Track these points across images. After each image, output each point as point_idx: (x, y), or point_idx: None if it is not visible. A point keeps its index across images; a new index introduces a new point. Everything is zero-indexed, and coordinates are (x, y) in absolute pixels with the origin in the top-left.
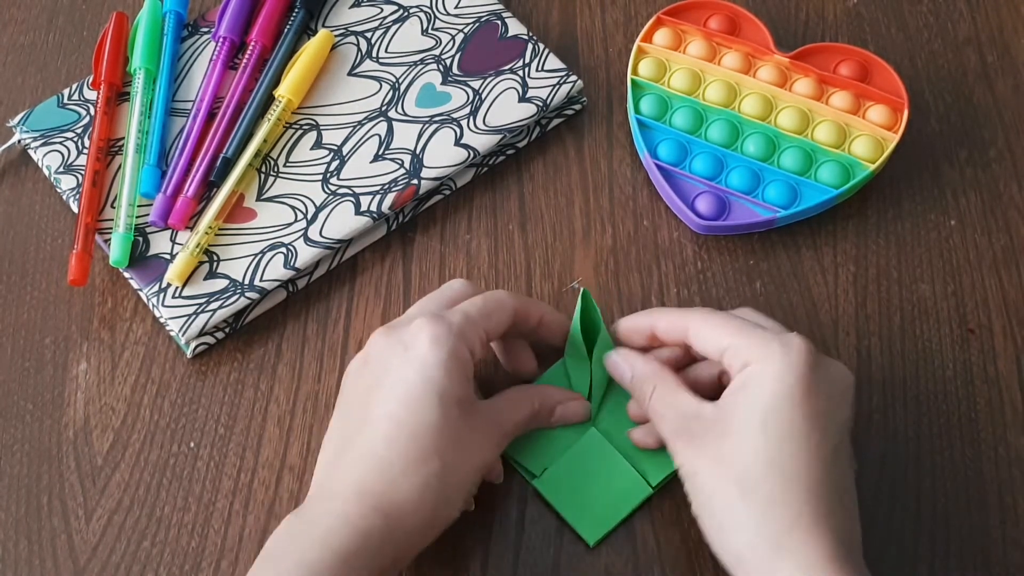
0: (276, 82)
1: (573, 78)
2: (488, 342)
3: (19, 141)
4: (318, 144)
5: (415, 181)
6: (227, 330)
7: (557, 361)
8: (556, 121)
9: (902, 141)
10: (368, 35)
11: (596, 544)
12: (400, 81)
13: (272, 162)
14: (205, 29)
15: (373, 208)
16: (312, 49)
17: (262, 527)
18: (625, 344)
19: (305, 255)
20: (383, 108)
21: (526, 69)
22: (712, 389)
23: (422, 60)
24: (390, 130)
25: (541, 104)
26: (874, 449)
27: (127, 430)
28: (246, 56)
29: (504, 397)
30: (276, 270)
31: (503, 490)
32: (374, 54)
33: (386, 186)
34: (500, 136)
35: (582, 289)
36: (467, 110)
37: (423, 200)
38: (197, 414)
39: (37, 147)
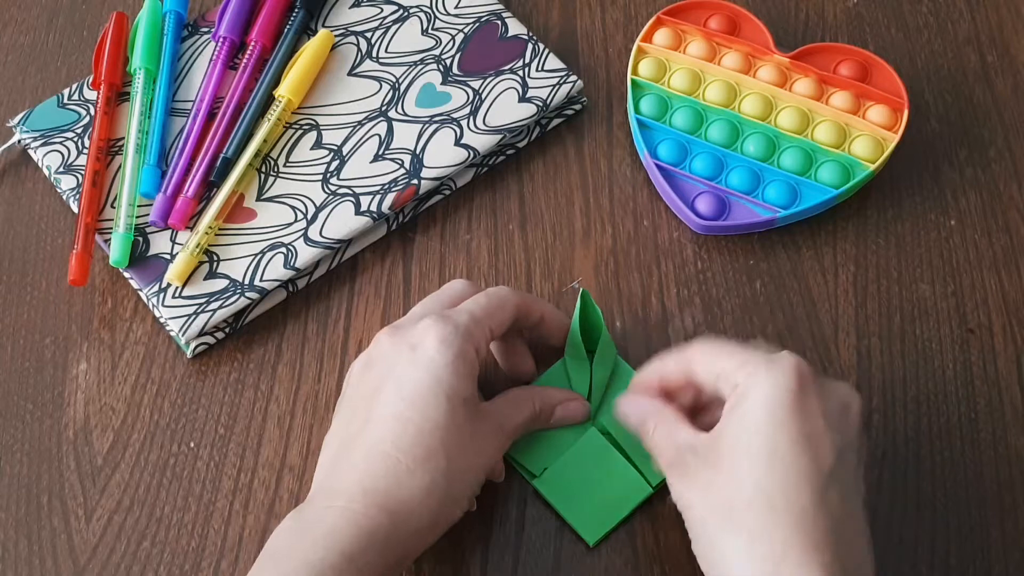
0: (276, 82)
1: (573, 78)
2: (492, 340)
3: (19, 141)
4: (318, 144)
5: (415, 181)
6: (227, 330)
7: (557, 361)
8: (556, 121)
9: (902, 141)
10: (368, 35)
11: (596, 544)
12: (400, 81)
13: (272, 162)
14: (205, 29)
15: (373, 208)
16: (312, 49)
17: (262, 527)
18: None
19: (305, 255)
20: (383, 108)
21: (526, 69)
22: None
23: (422, 60)
24: (390, 130)
25: (541, 104)
26: (874, 449)
27: (127, 430)
28: (246, 56)
29: (505, 398)
30: (276, 270)
31: (503, 490)
32: (374, 54)
33: (386, 186)
34: (500, 136)
35: (581, 289)
36: (467, 110)
37: (423, 200)
38: (197, 414)
39: (37, 147)
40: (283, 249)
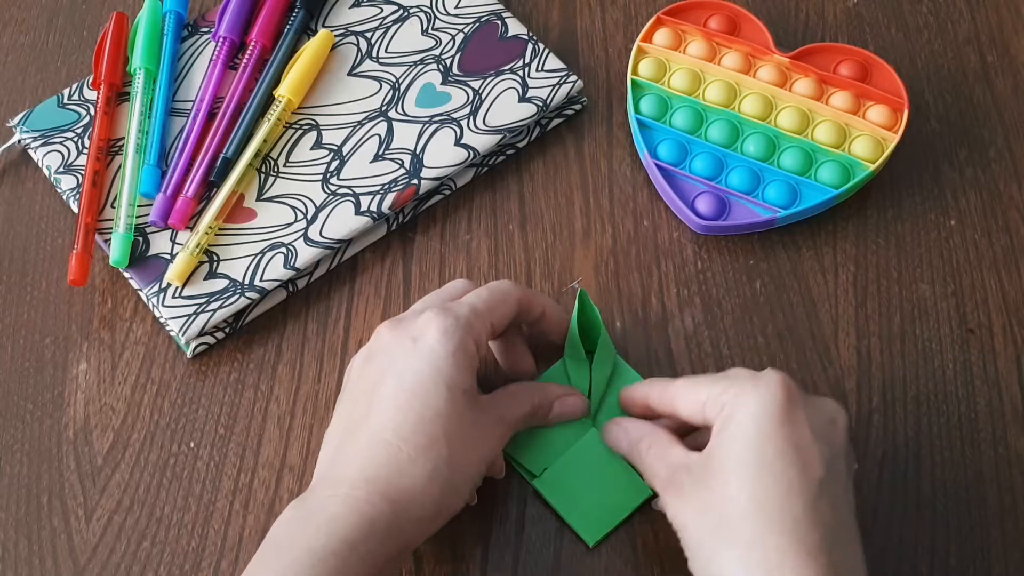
0: (276, 82)
1: (573, 78)
2: (494, 334)
3: (19, 141)
4: (318, 144)
5: (415, 181)
6: (227, 330)
7: (557, 361)
8: (556, 121)
9: (902, 141)
10: (368, 35)
11: (596, 544)
12: (400, 81)
13: (272, 162)
14: (205, 29)
15: (373, 208)
16: (312, 49)
17: (262, 527)
18: (626, 412)
19: (305, 255)
20: (383, 108)
21: (526, 69)
22: None
23: (422, 60)
24: (390, 130)
25: (541, 104)
26: (874, 449)
27: (127, 430)
28: (246, 56)
29: (505, 392)
30: (276, 270)
31: (503, 490)
32: (374, 54)
33: (386, 186)
34: (500, 136)
35: (579, 290)
36: (467, 110)
37: (423, 200)
38: (197, 414)
39: (37, 147)
40: (283, 249)
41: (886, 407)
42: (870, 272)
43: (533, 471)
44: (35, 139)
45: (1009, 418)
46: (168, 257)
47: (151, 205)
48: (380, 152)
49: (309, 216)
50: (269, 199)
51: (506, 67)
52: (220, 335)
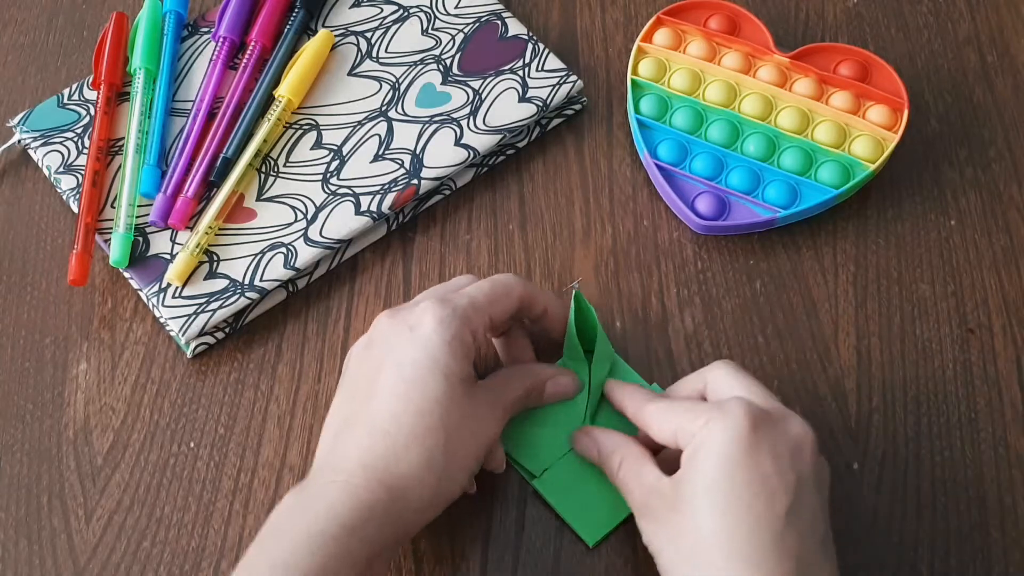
0: (276, 82)
1: (573, 78)
2: (493, 327)
3: (19, 141)
4: (318, 144)
5: (415, 181)
6: (227, 330)
7: (557, 360)
8: (556, 121)
9: (902, 141)
10: (368, 35)
11: (596, 544)
12: (400, 81)
13: (272, 162)
14: (205, 29)
15: (373, 208)
16: (312, 49)
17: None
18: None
19: (305, 255)
20: (383, 108)
21: (526, 69)
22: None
23: (422, 60)
24: (390, 130)
25: (541, 104)
26: (874, 449)
27: (127, 430)
28: (246, 56)
29: (497, 377)
30: (276, 270)
31: (503, 490)
32: (374, 54)
33: (386, 186)
34: (500, 136)
35: (574, 291)
36: (467, 110)
37: (423, 200)
38: (197, 414)
39: (37, 147)
40: (283, 249)
41: (886, 407)
42: (870, 272)
43: (533, 472)
44: (35, 139)
45: (1009, 418)
46: (168, 257)
47: (151, 205)
48: (380, 152)
49: (309, 216)
50: (269, 199)
51: (506, 67)
52: (220, 335)
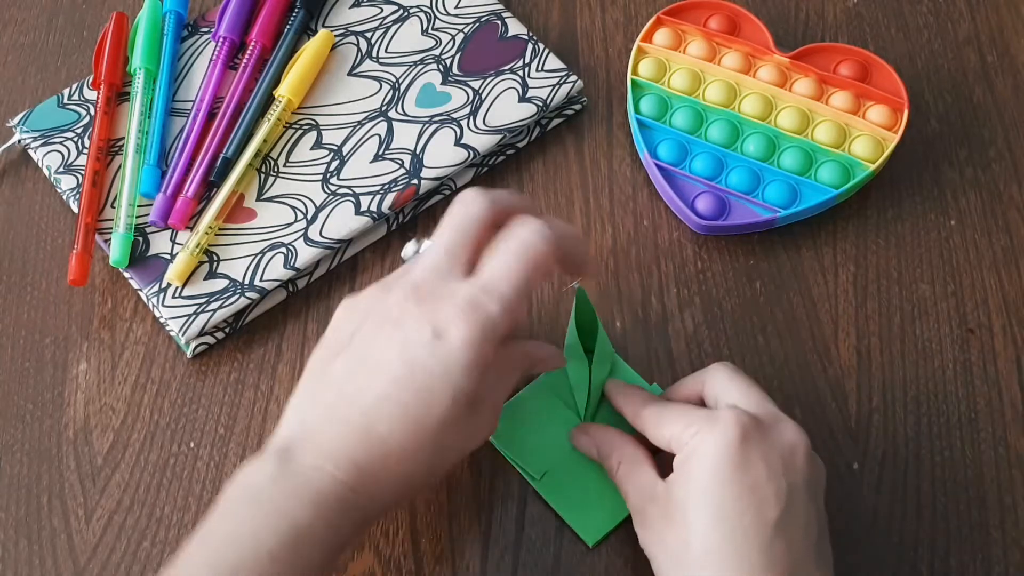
0: (276, 82)
1: (573, 78)
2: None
3: (19, 141)
4: (318, 144)
5: (415, 181)
6: (227, 330)
7: None
8: (556, 121)
9: (902, 141)
10: (368, 35)
11: (596, 544)
12: (400, 81)
13: (272, 162)
14: (205, 29)
15: (373, 208)
16: (312, 49)
17: None
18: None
19: (305, 255)
20: (383, 108)
21: (526, 69)
22: None
23: (422, 60)
24: (390, 130)
25: (541, 104)
26: (874, 449)
27: (127, 430)
28: (246, 56)
29: (495, 373)
30: (276, 270)
31: (503, 490)
32: (374, 54)
33: (386, 186)
34: (500, 136)
35: (577, 288)
36: (467, 110)
37: (423, 200)
38: (197, 414)
39: (37, 147)
40: (283, 249)
41: (886, 407)
42: (870, 272)
43: (534, 473)
44: (35, 139)
45: (1009, 418)
46: (168, 257)
47: (151, 205)
48: (380, 152)
49: (309, 216)
50: (269, 199)
51: (506, 67)
52: (220, 335)
